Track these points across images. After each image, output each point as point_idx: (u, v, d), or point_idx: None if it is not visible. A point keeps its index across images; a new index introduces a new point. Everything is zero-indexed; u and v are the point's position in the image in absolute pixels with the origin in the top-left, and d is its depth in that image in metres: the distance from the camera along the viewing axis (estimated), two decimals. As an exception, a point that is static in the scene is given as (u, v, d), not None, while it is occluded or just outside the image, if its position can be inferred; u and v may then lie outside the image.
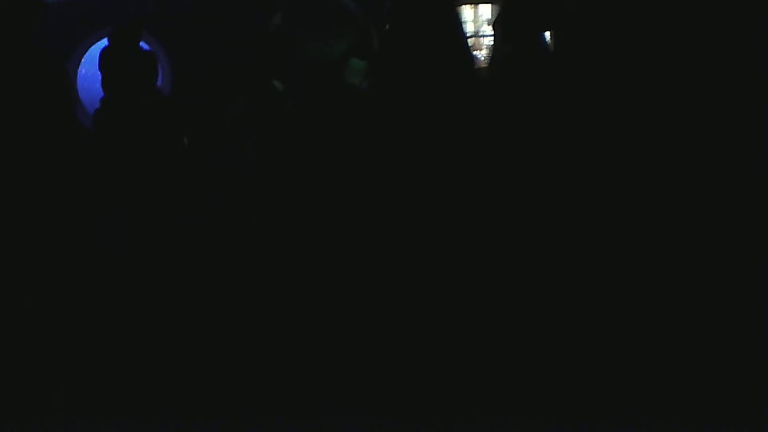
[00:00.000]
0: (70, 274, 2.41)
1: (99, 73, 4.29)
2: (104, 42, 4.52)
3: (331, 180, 2.44)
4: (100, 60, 4.38)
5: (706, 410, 2.23)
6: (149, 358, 2.37)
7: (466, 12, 7.33)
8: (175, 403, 2.25)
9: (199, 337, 2.42)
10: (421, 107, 2.39)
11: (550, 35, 2.77)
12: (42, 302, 2.35)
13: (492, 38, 2.67)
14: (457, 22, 2.56)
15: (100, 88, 4.24)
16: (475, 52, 6.34)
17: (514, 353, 2.39)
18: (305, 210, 2.49)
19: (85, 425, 2.15)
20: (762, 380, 2.24)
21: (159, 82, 4.42)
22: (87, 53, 5.28)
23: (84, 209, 2.56)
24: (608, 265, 2.39)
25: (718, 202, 2.38)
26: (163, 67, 5.12)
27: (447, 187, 2.37)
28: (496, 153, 2.43)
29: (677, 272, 2.36)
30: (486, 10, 7.53)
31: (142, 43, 4.57)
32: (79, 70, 5.31)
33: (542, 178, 2.45)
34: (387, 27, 2.57)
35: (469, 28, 7.34)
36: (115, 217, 2.56)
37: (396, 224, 2.41)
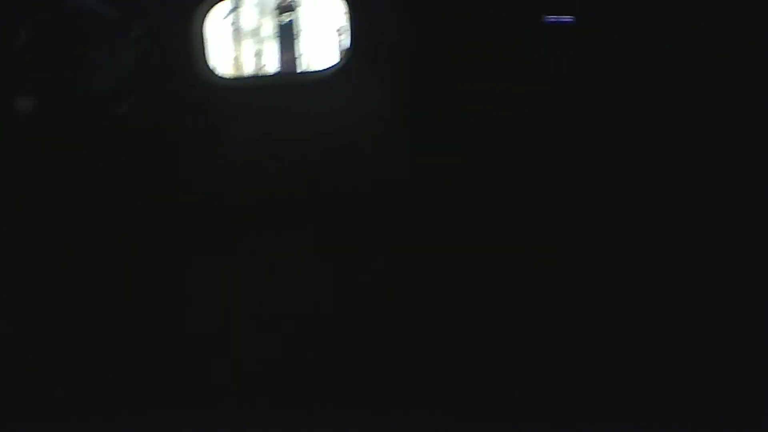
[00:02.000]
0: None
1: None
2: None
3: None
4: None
5: (706, 410, 2.24)
6: (150, 358, 2.42)
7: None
8: (177, 404, 2.30)
9: (200, 338, 2.46)
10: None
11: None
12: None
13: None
14: None
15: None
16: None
17: (514, 354, 2.41)
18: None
19: (83, 425, 2.22)
20: (762, 380, 2.24)
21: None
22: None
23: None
24: (608, 265, 2.40)
25: (718, 202, 2.39)
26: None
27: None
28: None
29: (677, 272, 2.36)
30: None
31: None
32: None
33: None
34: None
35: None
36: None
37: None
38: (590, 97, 2.45)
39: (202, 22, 2.51)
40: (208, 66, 2.51)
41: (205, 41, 2.50)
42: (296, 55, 8.99)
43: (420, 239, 2.47)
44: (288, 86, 2.68)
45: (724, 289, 2.32)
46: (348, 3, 2.45)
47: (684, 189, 2.41)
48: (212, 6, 2.53)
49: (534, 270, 2.43)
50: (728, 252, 2.34)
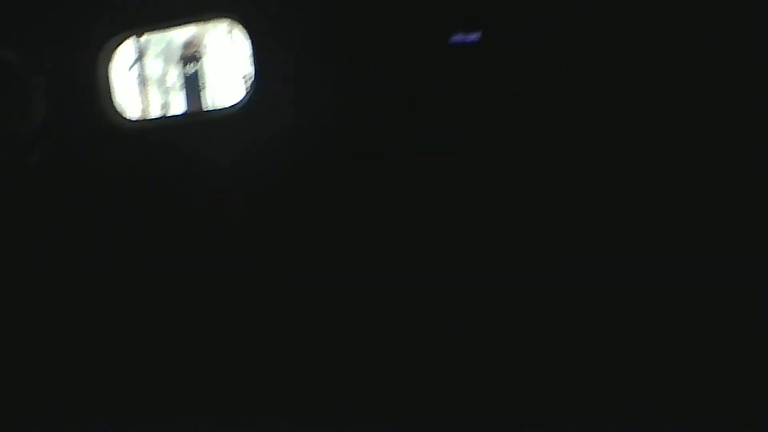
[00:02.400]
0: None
1: None
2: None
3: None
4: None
5: (706, 410, 2.23)
6: (149, 359, 2.43)
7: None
8: (177, 404, 2.31)
9: (199, 339, 2.47)
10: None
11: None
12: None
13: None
14: None
15: None
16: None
17: (515, 354, 2.41)
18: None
19: (83, 424, 2.22)
20: (762, 380, 2.23)
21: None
22: None
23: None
24: (608, 265, 2.40)
25: (718, 202, 2.38)
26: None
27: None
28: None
29: (677, 272, 2.36)
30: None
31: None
32: None
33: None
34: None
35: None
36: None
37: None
38: (591, 97, 2.45)
39: (107, 68, 2.58)
40: (115, 109, 2.57)
41: (111, 86, 2.57)
42: (202, 102, 9.13)
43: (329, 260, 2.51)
44: (194, 124, 2.74)
45: (724, 289, 2.32)
46: (252, 42, 2.48)
47: (684, 189, 2.41)
48: (114, 51, 2.59)
49: (534, 270, 2.43)
50: (728, 252, 2.33)
